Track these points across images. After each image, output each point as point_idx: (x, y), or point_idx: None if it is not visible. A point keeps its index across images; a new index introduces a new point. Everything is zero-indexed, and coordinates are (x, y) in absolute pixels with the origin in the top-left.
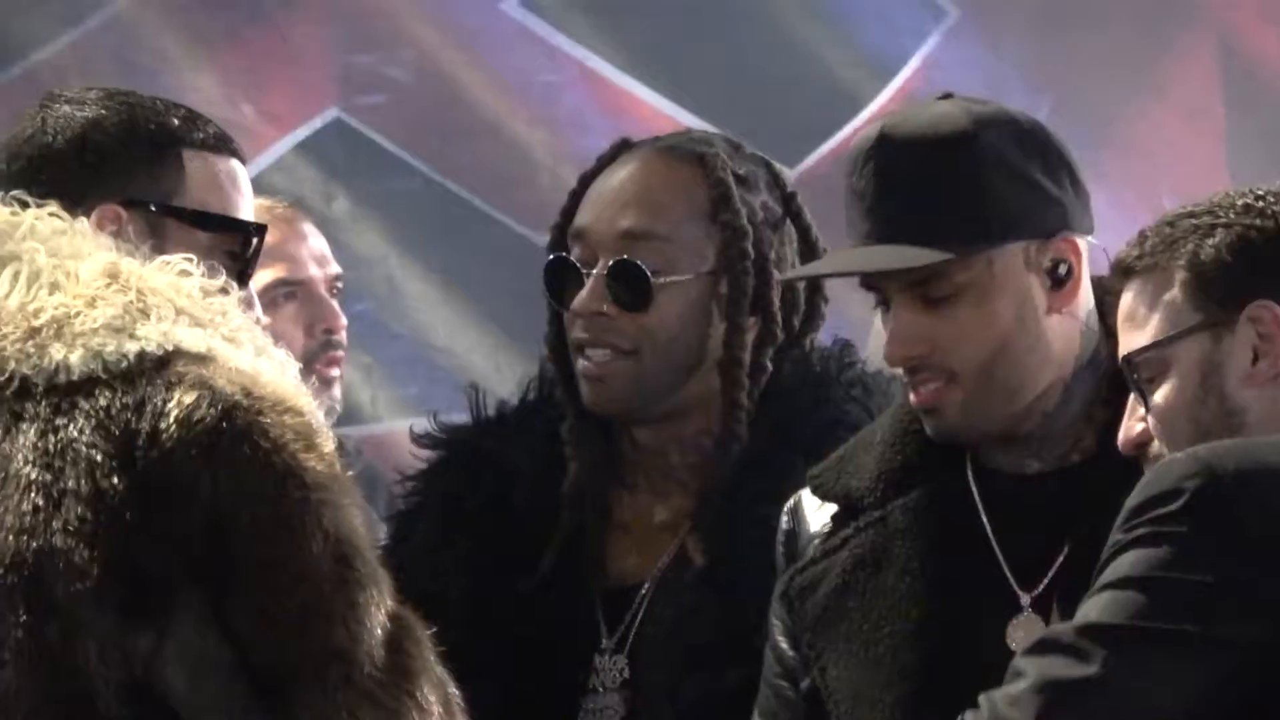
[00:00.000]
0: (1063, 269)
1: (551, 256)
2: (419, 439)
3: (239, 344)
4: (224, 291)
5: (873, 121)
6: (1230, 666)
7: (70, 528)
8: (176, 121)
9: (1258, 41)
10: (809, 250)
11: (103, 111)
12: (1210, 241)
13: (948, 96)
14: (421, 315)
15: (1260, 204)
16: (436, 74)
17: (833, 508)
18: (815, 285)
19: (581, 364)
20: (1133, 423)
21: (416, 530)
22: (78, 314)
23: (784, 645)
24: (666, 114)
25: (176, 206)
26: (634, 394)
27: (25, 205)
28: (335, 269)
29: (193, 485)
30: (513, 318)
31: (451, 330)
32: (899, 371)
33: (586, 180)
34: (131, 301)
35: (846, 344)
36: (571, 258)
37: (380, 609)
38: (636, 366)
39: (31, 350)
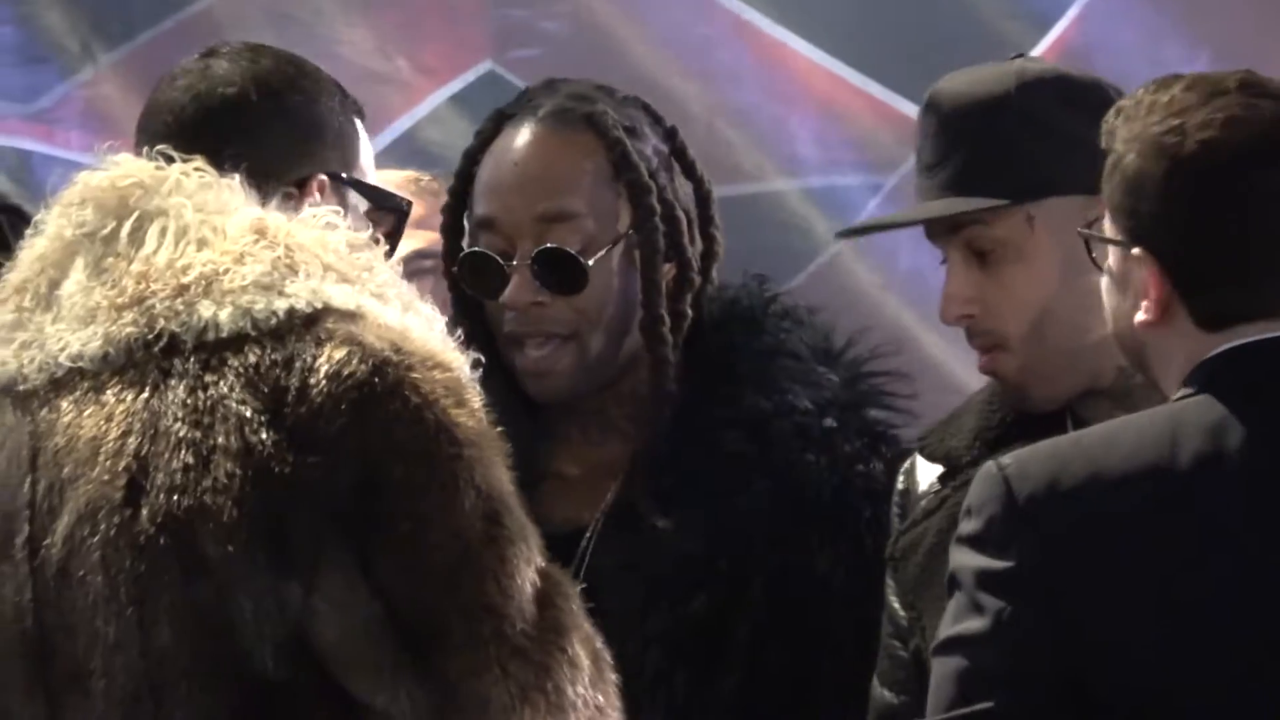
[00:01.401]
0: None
1: (468, 250)
2: None
3: (387, 300)
4: (370, 245)
5: None
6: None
7: (220, 485)
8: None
9: None
10: (697, 183)
11: (302, 81)
12: (1123, 165)
13: (1018, 57)
14: None
15: (1175, 138)
16: (591, 27)
17: (935, 470)
18: (708, 218)
19: (520, 358)
20: (989, 356)
21: None
22: (226, 271)
23: (895, 605)
24: (822, 66)
25: (358, 180)
26: (580, 378)
27: (170, 160)
28: None
29: (341, 440)
30: None
31: None
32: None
33: (473, 157)
34: (279, 257)
35: (763, 278)
36: (483, 249)
37: (530, 565)
38: (578, 349)
39: (180, 308)
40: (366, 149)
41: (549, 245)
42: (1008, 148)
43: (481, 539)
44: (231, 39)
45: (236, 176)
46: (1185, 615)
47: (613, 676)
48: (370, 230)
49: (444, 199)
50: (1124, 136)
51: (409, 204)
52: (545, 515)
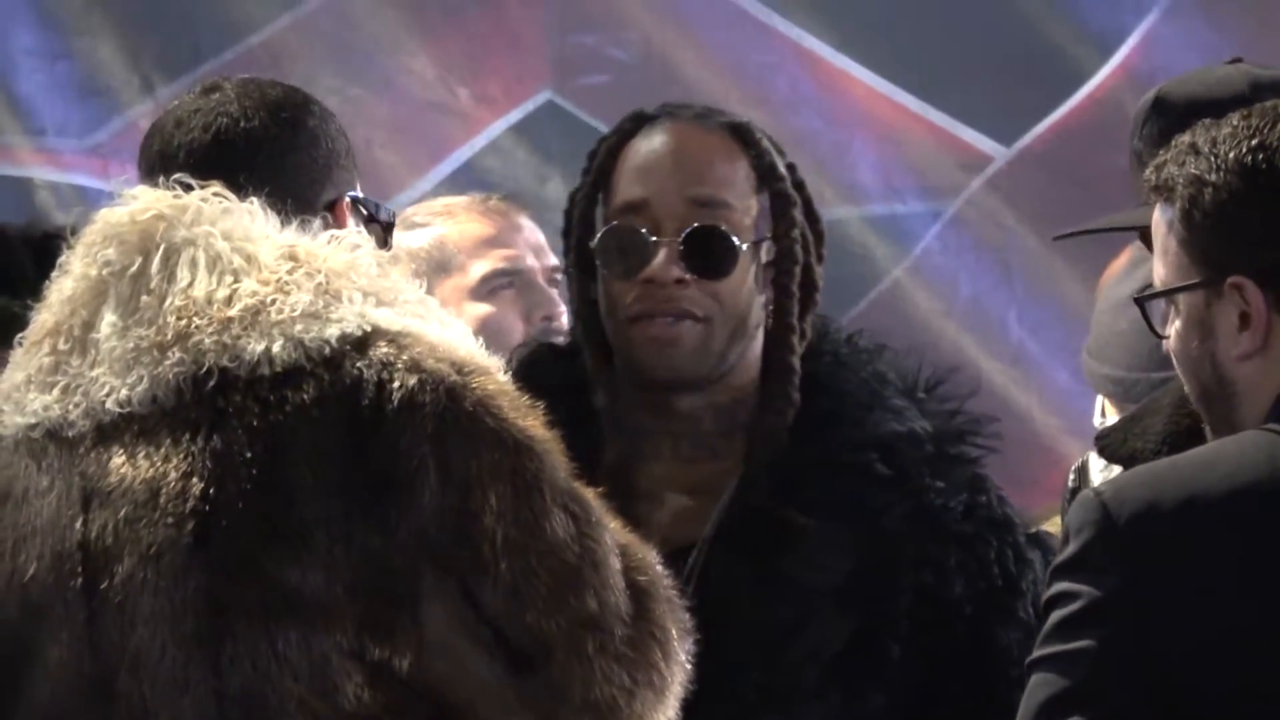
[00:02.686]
0: None
1: (611, 225)
2: None
3: (426, 319)
4: (394, 264)
5: (1093, 99)
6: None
7: (303, 524)
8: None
9: None
10: (812, 218)
11: (313, 106)
12: (1205, 196)
13: (1236, 61)
14: None
15: (1260, 155)
16: (651, 55)
17: (1117, 469)
18: (819, 255)
19: (643, 331)
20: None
21: None
22: (272, 301)
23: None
24: (882, 93)
25: (364, 199)
26: (702, 360)
27: (188, 188)
28: (552, 260)
29: (425, 473)
30: None
31: None
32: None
33: (614, 152)
34: (320, 284)
35: (826, 317)
36: (633, 224)
37: (615, 556)
38: (707, 333)
39: (228, 342)
40: (356, 171)
41: (705, 225)
42: None
43: (576, 556)
44: (293, 69)
45: (256, 201)
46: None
47: (683, 613)
48: (392, 249)
49: (513, 219)
50: (1192, 174)
51: (394, 214)
52: (645, 536)
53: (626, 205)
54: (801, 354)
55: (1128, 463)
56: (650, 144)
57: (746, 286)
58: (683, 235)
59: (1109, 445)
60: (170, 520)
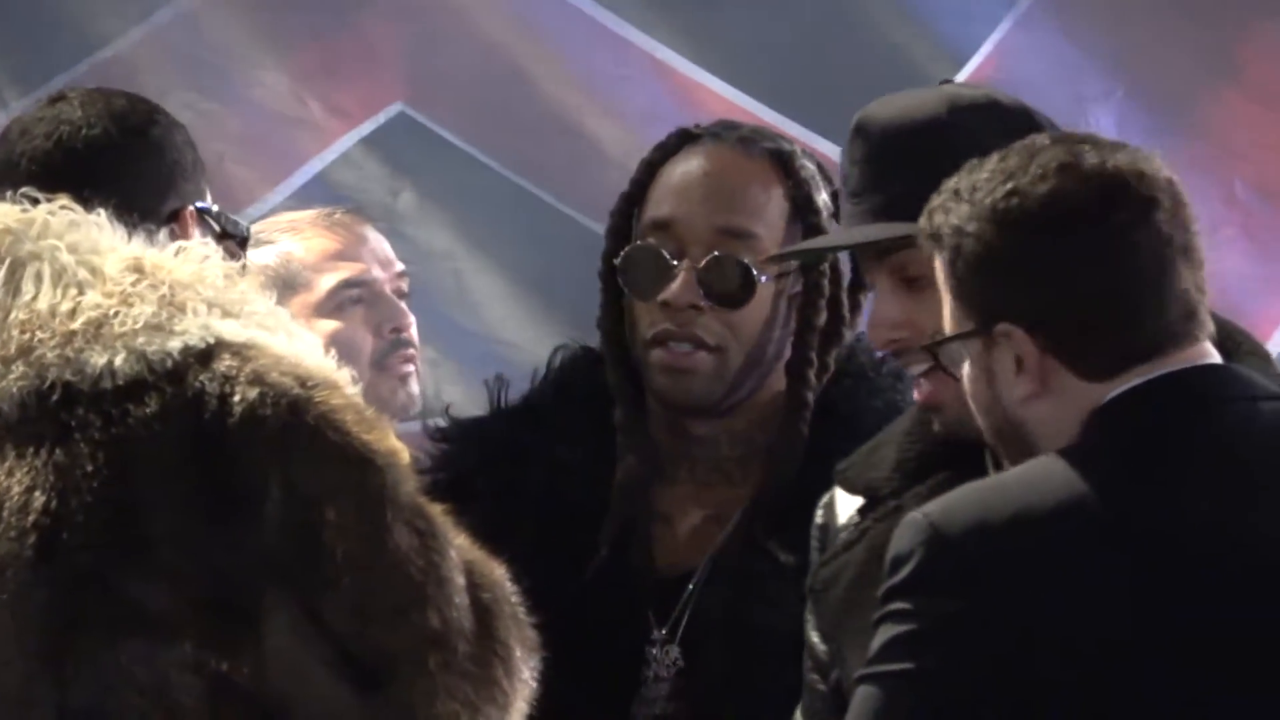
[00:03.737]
0: None
1: (637, 244)
2: (436, 432)
3: (273, 330)
4: (242, 275)
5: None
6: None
7: (144, 540)
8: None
9: None
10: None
11: (158, 116)
12: (966, 247)
13: (946, 83)
14: (490, 310)
15: (1014, 200)
16: (505, 68)
17: (860, 501)
18: (859, 283)
19: (659, 354)
20: (931, 384)
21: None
22: (115, 314)
23: (815, 639)
24: (737, 104)
25: (216, 211)
26: (714, 389)
27: (35, 201)
28: (399, 267)
29: (266, 489)
30: (580, 312)
31: (520, 325)
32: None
33: (654, 167)
34: (164, 296)
35: (861, 336)
36: (654, 245)
37: (459, 573)
38: (720, 362)
39: (70, 355)
40: (204, 180)
41: (726, 254)
42: (940, 173)
43: (420, 571)
44: (146, 83)
45: (103, 212)
46: (1117, 652)
47: (530, 631)
48: (242, 259)
49: (358, 232)
50: (954, 223)
51: (249, 229)
52: (651, 557)
53: (654, 224)
54: (827, 379)
55: (866, 493)
56: (688, 164)
57: (766, 318)
58: (703, 262)
59: (848, 477)
60: (13, 534)
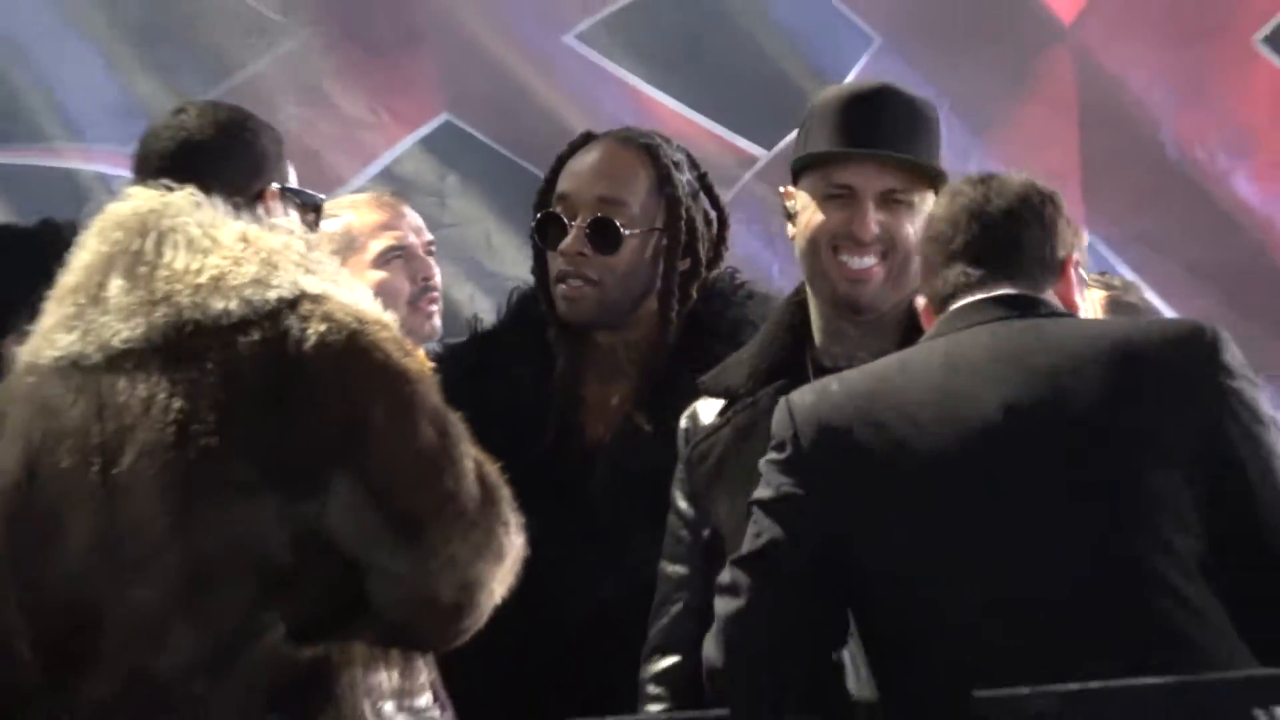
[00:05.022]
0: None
1: (541, 212)
2: (431, 355)
3: (340, 284)
4: (318, 245)
5: None
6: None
7: (244, 431)
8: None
9: (1105, 59)
10: (718, 212)
11: (249, 122)
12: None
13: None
14: (507, 257)
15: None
16: (519, 88)
17: (719, 404)
18: (722, 237)
19: (561, 289)
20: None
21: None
22: (229, 272)
23: (683, 505)
24: (672, 109)
25: (296, 189)
26: (596, 312)
27: (169, 188)
28: (428, 236)
29: (331, 391)
30: None
31: (528, 268)
32: (772, 293)
33: (563, 160)
34: (264, 259)
35: (735, 272)
36: (557, 212)
37: (468, 457)
38: (601, 293)
39: (199, 301)
40: (288, 167)
41: (600, 215)
42: (938, 137)
43: (437, 449)
44: (266, 98)
45: (216, 197)
46: (927, 515)
47: (518, 514)
48: (318, 233)
49: (399, 209)
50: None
51: (321, 200)
52: (576, 428)
53: (559, 197)
54: (695, 301)
55: (725, 395)
56: (584, 156)
57: (637, 262)
58: (588, 222)
59: (708, 384)
60: (158, 426)
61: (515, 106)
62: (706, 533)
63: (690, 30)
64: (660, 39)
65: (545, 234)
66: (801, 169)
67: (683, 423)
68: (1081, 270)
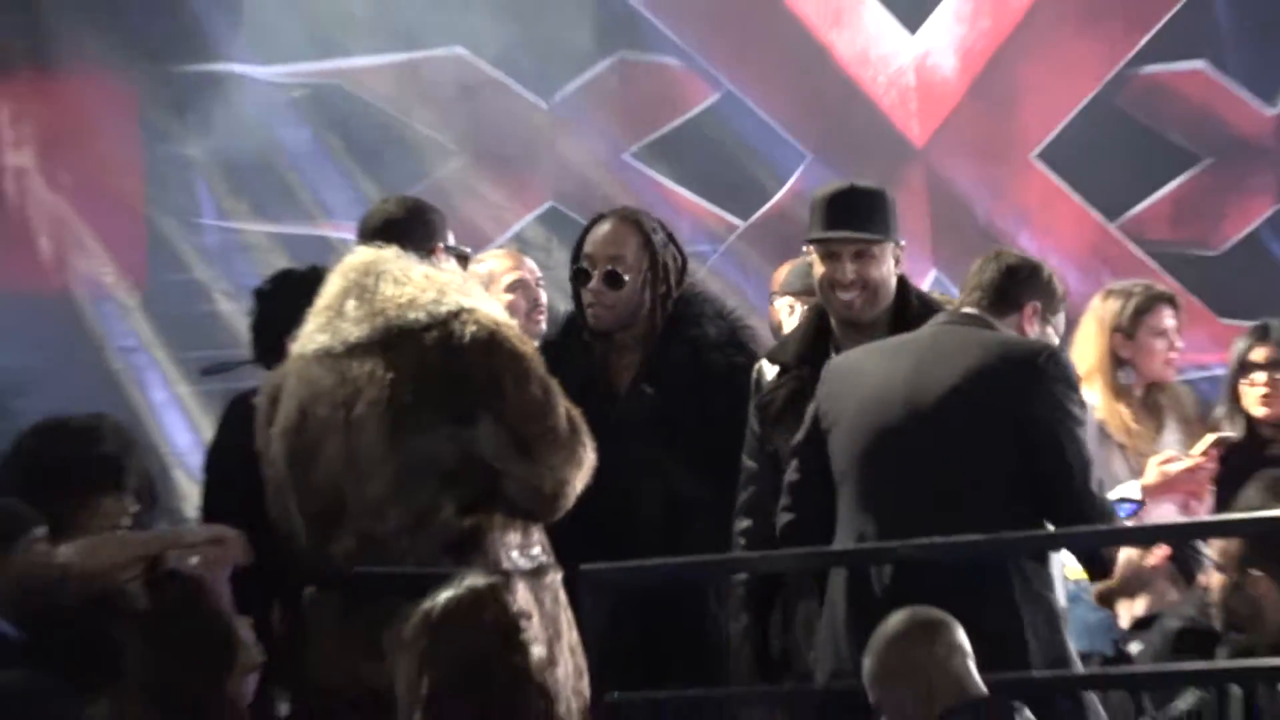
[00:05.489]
0: (899, 255)
1: (575, 266)
2: (540, 346)
3: (483, 303)
4: (468, 279)
5: (780, 203)
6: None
7: (430, 390)
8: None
9: (945, 172)
10: (680, 251)
11: (428, 209)
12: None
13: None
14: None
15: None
16: (595, 185)
17: (776, 368)
18: (684, 268)
19: (589, 312)
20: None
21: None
22: (418, 296)
23: (756, 428)
24: (660, 183)
25: (454, 245)
26: (611, 324)
27: (380, 248)
28: (539, 274)
29: (479, 368)
30: None
31: None
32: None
33: (586, 230)
34: (438, 288)
35: (694, 285)
36: (584, 266)
37: (561, 404)
38: (612, 314)
39: (400, 314)
40: (449, 233)
41: (610, 269)
42: (891, 216)
43: (542, 400)
44: (445, 193)
45: (409, 252)
46: (854, 431)
47: (588, 439)
48: (467, 272)
49: (520, 259)
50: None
51: (470, 251)
52: (607, 387)
53: (584, 255)
54: (672, 310)
55: (780, 363)
56: (599, 227)
57: (634, 293)
58: (603, 272)
59: (771, 355)
60: (377, 388)
61: (592, 196)
62: (770, 448)
63: (695, 147)
64: (678, 152)
65: (578, 279)
66: (810, 240)
67: (754, 374)
68: (1047, 318)
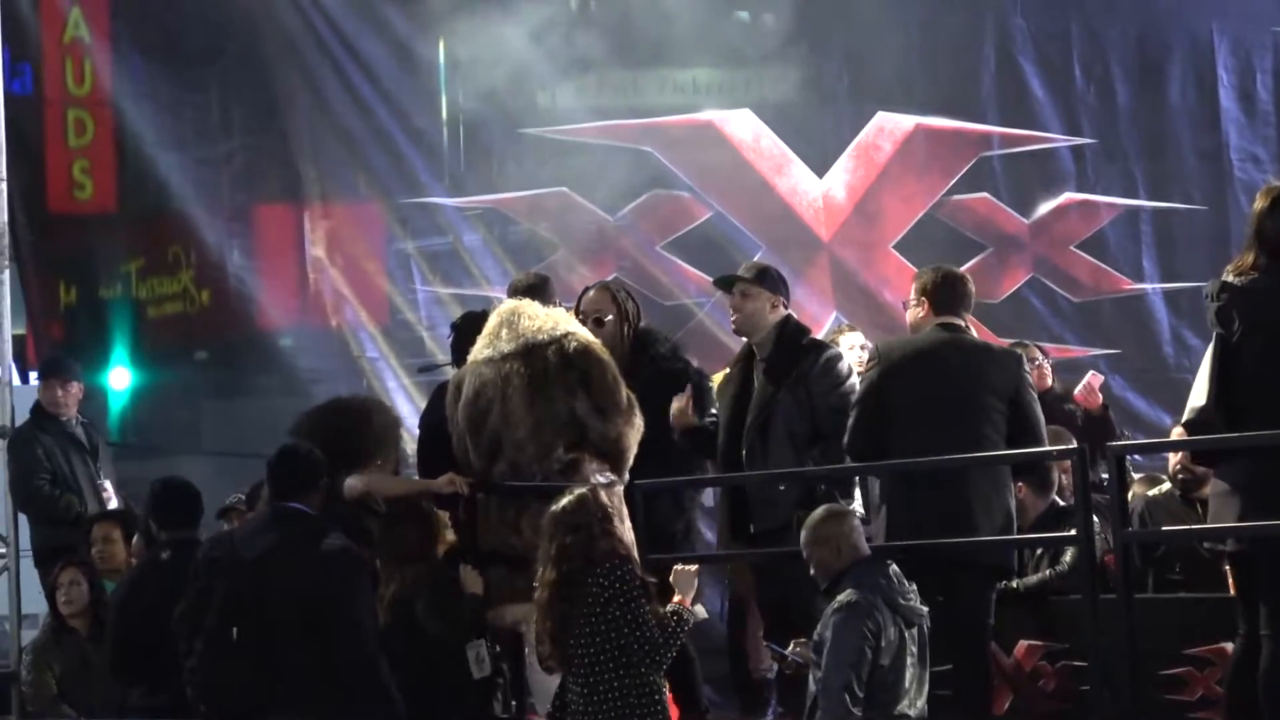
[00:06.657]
0: (775, 301)
1: (579, 318)
2: None
3: (579, 329)
4: (569, 315)
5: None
6: None
7: (556, 381)
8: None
9: (842, 255)
10: (637, 306)
11: (542, 282)
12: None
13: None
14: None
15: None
16: (642, 267)
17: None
18: (639, 315)
19: (597, 336)
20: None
21: None
22: (544, 326)
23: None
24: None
25: (558, 302)
26: (607, 348)
27: (520, 299)
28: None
29: (574, 367)
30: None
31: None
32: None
33: (581, 295)
34: (555, 320)
35: (650, 328)
36: (581, 317)
37: (623, 389)
38: (604, 339)
39: (532, 335)
40: (556, 292)
41: (599, 314)
42: (771, 279)
43: (614, 383)
44: (556, 269)
45: (535, 302)
46: (901, 399)
47: (637, 409)
48: (571, 310)
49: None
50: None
51: (569, 305)
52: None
53: (582, 312)
54: (635, 339)
55: (735, 364)
56: (589, 293)
57: (611, 329)
58: (592, 320)
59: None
60: (520, 380)
61: (641, 271)
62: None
63: (698, 242)
64: (687, 245)
65: (587, 321)
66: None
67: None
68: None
